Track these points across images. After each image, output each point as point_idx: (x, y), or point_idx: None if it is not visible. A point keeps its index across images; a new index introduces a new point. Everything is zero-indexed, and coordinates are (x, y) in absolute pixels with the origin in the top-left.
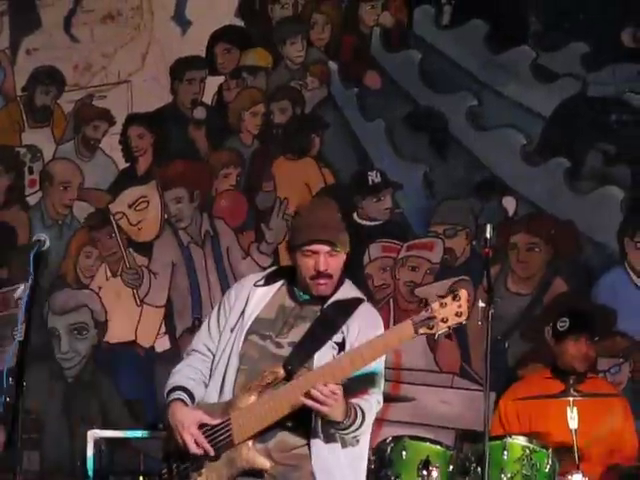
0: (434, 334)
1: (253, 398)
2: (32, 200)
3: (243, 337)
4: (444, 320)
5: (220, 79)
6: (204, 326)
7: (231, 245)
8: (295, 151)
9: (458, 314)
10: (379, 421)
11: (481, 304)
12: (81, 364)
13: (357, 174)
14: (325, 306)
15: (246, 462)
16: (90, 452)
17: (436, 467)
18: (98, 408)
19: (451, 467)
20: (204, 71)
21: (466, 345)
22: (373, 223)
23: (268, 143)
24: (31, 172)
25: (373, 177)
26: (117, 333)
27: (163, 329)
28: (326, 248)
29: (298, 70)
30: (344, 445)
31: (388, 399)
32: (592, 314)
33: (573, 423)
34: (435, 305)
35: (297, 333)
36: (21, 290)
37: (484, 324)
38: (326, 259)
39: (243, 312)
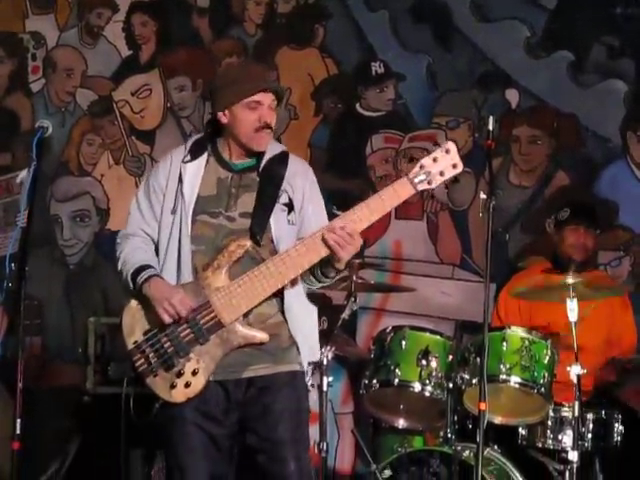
0: (433, 188)
1: (225, 276)
2: (35, 87)
3: (190, 219)
4: (441, 173)
5: None
6: (134, 209)
7: None
8: (298, 41)
9: (454, 166)
10: (379, 311)
11: (482, 196)
12: (83, 251)
13: (360, 65)
14: (261, 169)
15: (243, 339)
16: (91, 338)
17: (435, 357)
18: (100, 295)
19: (450, 357)
20: None
21: (467, 236)
22: (376, 114)
23: (271, 33)
24: (34, 59)
25: (376, 68)
26: (119, 220)
27: None
28: (271, 97)
29: None
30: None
31: (388, 289)
32: (593, 206)
33: (572, 315)
34: (427, 160)
35: (244, 202)
36: (24, 175)
37: (485, 216)
38: (271, 111)
39: (180, 192)
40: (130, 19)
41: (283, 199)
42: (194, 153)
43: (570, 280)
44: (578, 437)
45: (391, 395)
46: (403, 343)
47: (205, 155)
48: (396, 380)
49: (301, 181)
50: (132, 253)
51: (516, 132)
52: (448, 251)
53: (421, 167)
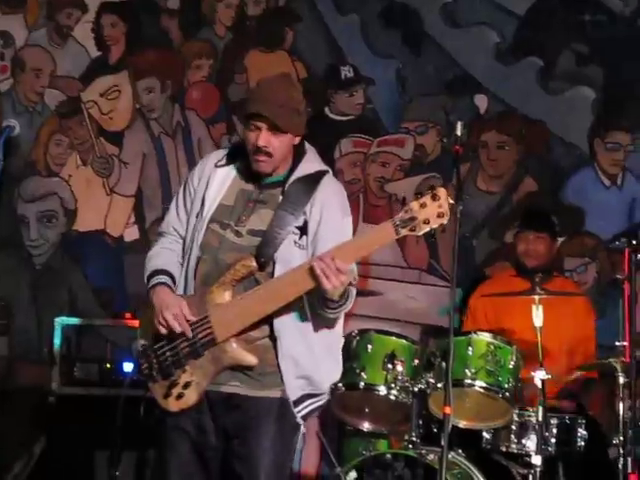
0: (416, 235)
1: (228, 293)
2: (3, 87)
3: (205, 225)
4: (426, 222)
5: None
6: (172, 208)
7: (202, 136)
8: (268, 44)
9: (440, 215)
10: (346, 315)
11: (450, 201)
12: (50, 252)
13: (330, 68)
14: (286, 188)
15: (232, 359)
16: (58, 339)
17: (401, 361)
18: (66, 296)
19: (416, 361)
20: None
21: (434, 242)
22: (345, 118)
23: (241, 35)
24: (2, 58)
25: (346, 72)
26: (86, 222)
27: (132, 219)
28: (266, 125)
29: None
30: (317, 329)
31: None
32: (546, 212)
33: (538, 321)
34: (414, 205)
35: (256, 220)
36: None
37: (452, 221)
38: (267, 136)
39: (204, 197)
40: (99, 20)
41: (298, 222)
42: (230, 158)
43: (536, 287)
44: (542, 442)
45: (357, 398)
46: (369, 347)
47: (238, 162)
48: (362, 383)
49: (322, 203)
50: (159, 254)
51: (484, 138)
52: (415, 256)
53: (406, 212)
